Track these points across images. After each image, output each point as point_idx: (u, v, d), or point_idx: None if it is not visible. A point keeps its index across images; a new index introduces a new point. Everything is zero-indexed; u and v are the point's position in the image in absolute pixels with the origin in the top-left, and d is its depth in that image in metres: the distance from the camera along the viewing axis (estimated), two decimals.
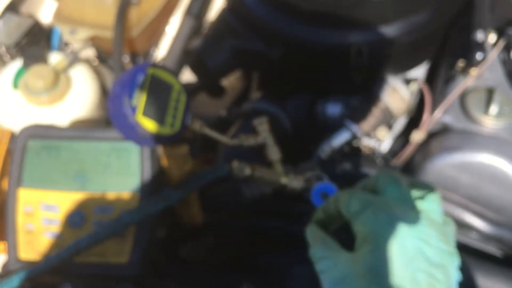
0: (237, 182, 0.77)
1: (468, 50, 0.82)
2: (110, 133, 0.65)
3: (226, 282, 0.69)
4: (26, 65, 0.85)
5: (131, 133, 0.58)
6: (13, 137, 0.67)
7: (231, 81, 1.16)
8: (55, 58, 0.88)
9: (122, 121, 0.58)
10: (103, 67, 0.97)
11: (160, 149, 0.64)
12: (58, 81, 0.83)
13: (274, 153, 0.70)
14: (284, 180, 0.70)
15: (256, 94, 1.01)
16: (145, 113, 0.58)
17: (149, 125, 0.58)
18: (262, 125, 0.71)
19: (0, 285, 0.58)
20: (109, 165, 0.64)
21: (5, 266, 0.65)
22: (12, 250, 0.63)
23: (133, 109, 0.58)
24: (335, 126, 0.93)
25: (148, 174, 0.63)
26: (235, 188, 0.77)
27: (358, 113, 0.91)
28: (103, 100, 0.90)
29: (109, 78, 0.94)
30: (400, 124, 0.95)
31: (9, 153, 0.66)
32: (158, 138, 0.60)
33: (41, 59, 0.86)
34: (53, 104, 0.83)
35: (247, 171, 0.68)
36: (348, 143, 0.92)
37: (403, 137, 0.93)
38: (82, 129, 0.67)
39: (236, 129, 0.92)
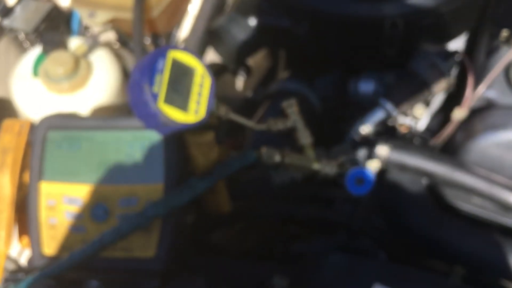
0: (267, 168, 0.74)
1: None
2: (133, 121, 0.62)
3: (257, 273, 0.66)
4: (45, 51, 0.82)
5: (153, 121, 0.55)
6: (32, 128, 0.64)
7: (257, 60, 1.12)
8: (75, 43, 0.85)
9: (143, 109, 0.54)
10: (125, 50, 0.94)
11: (184, 137, 0.61)
12: (78, 67, 0.80)
13: (305, 137, 0.66)
14: (316, 166, 0.66)
15: (283, 73, 0.97)
16: (167, 100, 0.55)
17: (171, 112, 0.55)
18: (292, 108, 0.67)
19: (19, 284, 0.56)
20: (132, 155, 0.61)
21: (31, 261, 0.63)
22: (36, 245, 0.61)
23: (154, 96, 0.54)
24: (369, 104, 0.88)
25: (172, 164, 0.60)
26: (264, 175, 0.73)
27: (393, 90, 0.86)
28: (125, 84, 0.87)
29: (131, 62, 0.91)
30: (438, 100, 0.89)
31: (29, 145, 0.63)
32: (181, 126, 0.56)
33: (61, 44, 0.83)
34: (74, 92, 0.80)
35: (277, 157, 0.64)
36: (383, 123, 0.88)
37: (442, 114, 0.87)
38: (103, 118, 0.64)
39: (263, 111, 0.88)
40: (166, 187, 0.60)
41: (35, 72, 0.82)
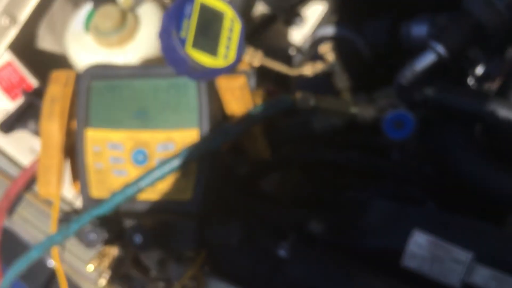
0: (307, 113, 0.73)
1: None
2: (168, 69, 0.64)
3: (294, 218, 0.67)
4: (95, 6, 0.85)
5: (182, 67, 0.56)
6: (78, 78, 0.67)
7: None
8: None
9: (172, 55, 0.56)
10: None
11: (216, 82, 0.62)
12: (125, 21, 0.82)
13: (342, 80, 0.65)
14: (353, 109, 0.64)
15: (331, 18, 0.94)
16: (195, 45, 0.56)
17: (200, 57, 0.56)
18: (329, 52, 0.65)
19: (70, 224, 0.60)
20: (168, 102, 0.63)
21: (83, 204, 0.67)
22: (85, 189, 0.65)
23: (182, 42, 0.55)
24: (422, 48, 0.83)
25: (206, 109, 0.61)
26: (304, 120, 0.73)
27: (446, 31, 0.81)
28: None
29: None
30: (495, 41, 0.83)
31: (75, 94, 0.67)
32: (211, 71, 0.57)
33: None
34: (123, 45, 0.82)
35: (312, 101, 0.63)
36: (437, 66, 0.83)
37: (499, 56, 0.82)
38: (141, 66, 0.66)
39: (309, 58, 0.86)
40: (201, 132, 0.61)
41: (87, 27, 0.85)
